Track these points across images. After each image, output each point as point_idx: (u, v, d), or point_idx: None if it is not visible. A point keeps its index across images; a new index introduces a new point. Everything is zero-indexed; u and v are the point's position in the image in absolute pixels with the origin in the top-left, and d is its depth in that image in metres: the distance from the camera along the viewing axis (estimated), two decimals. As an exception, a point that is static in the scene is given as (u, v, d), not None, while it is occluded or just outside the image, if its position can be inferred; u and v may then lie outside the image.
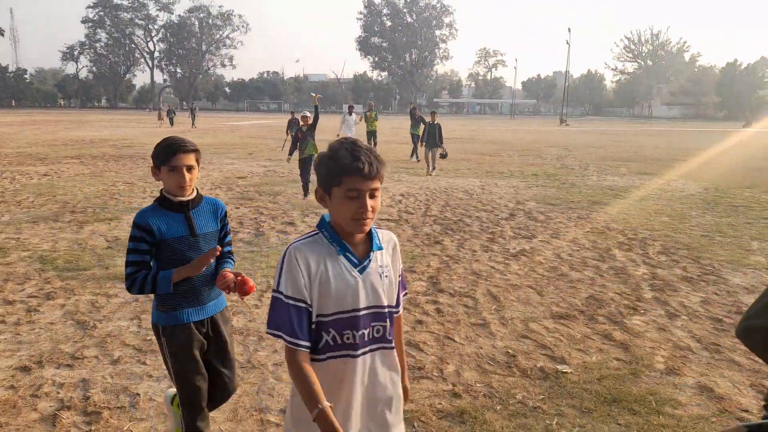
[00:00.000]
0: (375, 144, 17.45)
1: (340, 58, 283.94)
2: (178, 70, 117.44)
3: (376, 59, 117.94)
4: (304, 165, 9.67)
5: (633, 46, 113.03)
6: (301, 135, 9.65)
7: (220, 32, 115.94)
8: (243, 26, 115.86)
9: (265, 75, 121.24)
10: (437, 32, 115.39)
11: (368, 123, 17.88)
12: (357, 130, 16.77)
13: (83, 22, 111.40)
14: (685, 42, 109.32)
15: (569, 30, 64.74)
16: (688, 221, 8.16)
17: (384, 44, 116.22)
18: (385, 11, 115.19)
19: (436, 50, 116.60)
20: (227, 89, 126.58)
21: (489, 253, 6.31)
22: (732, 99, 79.04)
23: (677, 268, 5.73)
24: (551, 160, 18.00)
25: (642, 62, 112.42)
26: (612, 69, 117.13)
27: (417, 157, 16.48)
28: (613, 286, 5.14)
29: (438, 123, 13.92)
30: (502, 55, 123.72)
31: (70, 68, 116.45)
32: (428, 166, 13.68)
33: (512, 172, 14.43)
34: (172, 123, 38.03)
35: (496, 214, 8.67)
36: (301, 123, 9.96)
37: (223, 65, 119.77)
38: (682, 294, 4.94)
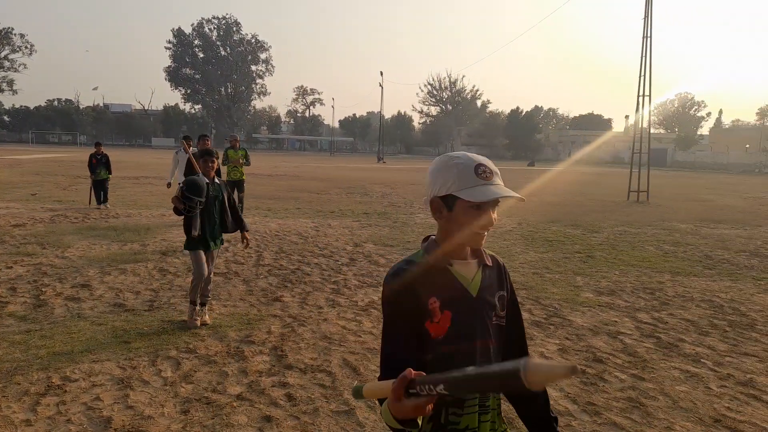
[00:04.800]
0: (242, 202, 11.09)
1: (147, 87, 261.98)
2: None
3: (189, 91, 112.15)
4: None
5: (435, 92, 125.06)
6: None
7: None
8: (27, 47, 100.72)
9: (56, 103, 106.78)
10: (253, 67, 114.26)
11: (230, 168, 10.76)
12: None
13: None
14: (477, 90, 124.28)
15: (381, 73, 69.04)
16: (516, 258, 8.49)
17: (197, 76, 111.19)
18: (196, 42, 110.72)
19: (253, 85, 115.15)
20: (6, 117, 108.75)
21: (337, 308, 5.62)
22: (517, 141, 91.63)
23: (524, 312, 5.68)
24: (378, 197, 18.20)
25: (443, 106, 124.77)
26: (418, 112, 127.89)
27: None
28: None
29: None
30: (319, 93, 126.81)
31: None
32: None
33: (343, 211, 14.09)
34: None
35: (335, 259, 8.05)
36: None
37: (1, 90, 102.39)
38: (538, 342, 4.80)
